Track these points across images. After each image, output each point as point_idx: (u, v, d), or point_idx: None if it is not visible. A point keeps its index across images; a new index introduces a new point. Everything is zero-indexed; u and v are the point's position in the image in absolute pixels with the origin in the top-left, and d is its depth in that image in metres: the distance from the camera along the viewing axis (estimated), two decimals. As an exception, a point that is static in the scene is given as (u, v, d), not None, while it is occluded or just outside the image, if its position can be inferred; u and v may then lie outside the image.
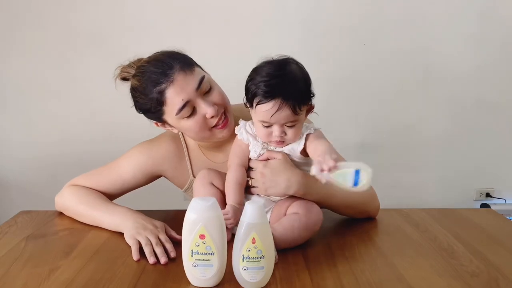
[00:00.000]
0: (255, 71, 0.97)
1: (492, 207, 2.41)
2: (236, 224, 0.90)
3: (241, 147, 1.04)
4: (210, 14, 2.28)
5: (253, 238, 0.80)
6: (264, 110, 0.94)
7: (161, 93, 1.02)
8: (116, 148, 1.31)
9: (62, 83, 2.31)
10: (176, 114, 1.03)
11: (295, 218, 0.97)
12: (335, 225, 1.14)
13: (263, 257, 0.81)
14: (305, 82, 0.97)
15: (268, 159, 1.02)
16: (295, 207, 0.99)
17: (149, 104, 1.05)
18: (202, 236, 0.80)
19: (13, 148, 2.37)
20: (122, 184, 1.18)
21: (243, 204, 0.96)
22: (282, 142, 0.99)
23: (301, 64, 0.99)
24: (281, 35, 2.30)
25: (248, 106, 0.99)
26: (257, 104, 0.95)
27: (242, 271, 0.81)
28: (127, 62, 1.11)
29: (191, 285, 0.84)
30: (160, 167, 1.17)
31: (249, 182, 1.03)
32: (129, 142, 1.25)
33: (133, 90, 1.08)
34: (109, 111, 2.18)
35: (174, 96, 1.02)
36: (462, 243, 1.02)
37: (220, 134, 1.08)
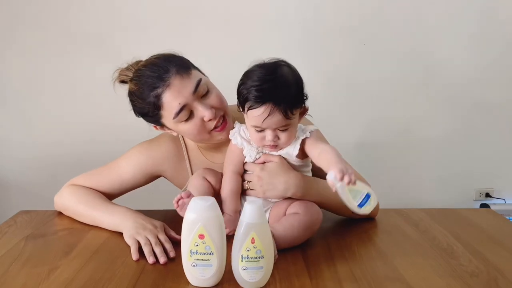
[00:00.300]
0: (246, 75, 0.96)
1: (492, 207, 2.41)
2: (233, 232, 0.91)
3: (235, 153, 1.04)
4: (210, 14, 2.28)
5: (252, 238, 0.80)
6: (256, 115, 0.93)
7: (158, 97, 1.02)
8: (116, 149, 1.31)
9: (62, 83, 2.31)
10: (174, 118, 1.03)
11: (294, 218, 0.98)
12: (334, 225, 1.14)
13: (262, 257, 0.81)
14: (297, 85, 0.96)
15: (265, 162, 1.02)
16: (295, 207, 0.99)
17: (147, 108, 1.05)
18: (201, 236, 0.81)
19: (13, 148, 2.36)
20: (121, 184, 1.18)
21: (239, 212, 0.98)
22: (275, 146, 0.98)
23: (293, 66, 0.98)
24: (281, 35, 2.30)
25: (241, 110, 0.99)
26: (248, 109, 0.94)
27: (241, 271, 0.81)
28: (125, 65, 1.11)
29: (190, 285, 0.84)
30: (160, 167, 1.18)
31: (247, 185, 1.03)
32: (129, 142, 1.25)
33: (131, 95, 1.08)
34: (109, 111, 2.18)
35: (171, 100, 1.02)
36: (462, 243, 1.02)
37: (219, 136, 1.08)
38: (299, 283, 0.84)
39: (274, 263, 0.85)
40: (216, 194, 1.05)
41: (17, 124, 2.36)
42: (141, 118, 1.11)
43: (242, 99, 0.95)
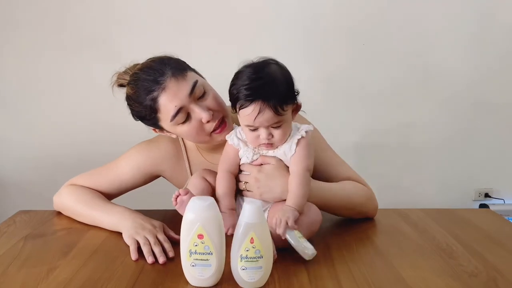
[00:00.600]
0: (236, 76, 0.97)
1: (491, 208, 2.42)
2: (233, 228, 0.92)
3: (230, 154, 1.04)
4: (210, 14, 2.28)
5: (252, 238, 0.80)
6: (247, 114, 0.94)
7: (154, 100, 1.02)
8: (116, 149, 1.31)
9: (62, 84, 2.31)
10: (171, 120, 1.03)
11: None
12: (333, 225, 1.14)
13: (262, 257, 0.81)
14: (286, 81, 0.97)
15: (262, 164, 1.02)
16: (294, 207, 0.99)
17: (144, 112, 1.05)
18: (200, 236, 0.80)
19: (12, 148, 2.36)
20: (120, 184, 1.18)
21: (234, 208, 0.99)
22: (270, 144, 0.99)
23: (282, 64, 0.99)
24: (281, 35, 2.30)
25: (234, 111, 0.99)
26: (240, 109, 0.95)
27: (241, 271, 0.81)
28: (123, 69, 1.11)
29: (190, 284, 0.84)
30: (159, 167, 1.18)
31: (243, 186, 1.03)
32: (129, 142, 1.25)
33: (128, 99, 1.08)
34: (109, 111, 2.17)
35: (167, 103, 1.02)
36: (461, 243, 1.02)
37: (219, 138, 1.07)
38: (298, 283, 0.84)
39: (273, 263, 0.85)
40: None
41: (16, 124, 2.36)
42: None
43: (234, 99, 0.96)
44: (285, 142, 1.00)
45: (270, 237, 0.85)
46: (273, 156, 1.01)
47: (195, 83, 1.04)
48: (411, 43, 2.37)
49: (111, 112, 2.13)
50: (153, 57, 1.08)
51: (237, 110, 0.96)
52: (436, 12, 2.35)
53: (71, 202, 1.16)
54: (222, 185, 1.02)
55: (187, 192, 0.96)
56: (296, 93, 0.98)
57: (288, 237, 0.90)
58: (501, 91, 2.44)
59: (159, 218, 1.08)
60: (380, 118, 2.43)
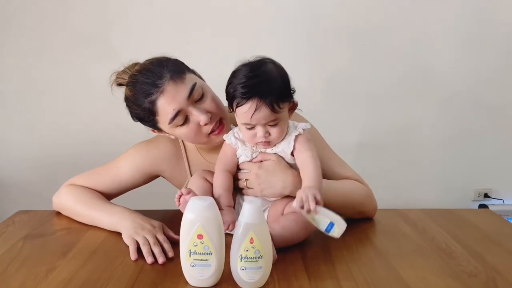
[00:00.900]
0: (233, 75, 0.97)
1: (490, 208, 2.41)
2: (233, 224, 0.93)
3: (227, 154, 1.05)
4: (210, 14, 2.28)
5: (251, 238, 0.80)
6: (243, 111, 0.94)
7: (152, 103, 1.02)
8: (115, 149, 1.31)
9: (61, 84, 2.31)
10: (169, 123, 1.03)
11: (293, 217, 0.97)
12: (333, 225, 1.14)
13: (261, 257, 0.81)
14: (282, 79, 0.97)
15: (262, 161, 1.02)
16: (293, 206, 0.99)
17: (142, 114, 1.05)
18: (200, 236, 0.80)
19: (12, 148, 2.36)
20: (120, 184, 1.18)
21: (233, 205, 0.99)
22: (268, 142, 0.99)
23: (278, 63, 1.00)
24: (281, 35, 2.30)
25: (231, 110, 0.99)
26: (236, 107, 0.95)
27: (240, 271, 0.81)
28: (122, 68, 1.11)
29: (189, 285, 0.84)
30: (158, 167, 1.18)
31: (244, 184, 1.03)
32: (128, 142, 1.24)
33: (127, 100, 1.08)
34: (109, 111, 2.17)
35: (165, 106, 1.02)
36: (460, 244, 1.02)
37: (217, 139, 1.08)
38: (298, 283, 0.84)
39: (273, 263, 0.85)
40: None
41: (16, 124, 2.36)
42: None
43: (230, 98, 0.97)
44: (282, 140, 1.00)
45: (270, 237, 0.85)
46: (273, 153, 1.01)
47: (194, 86, 1.04)
48: (411, 44, 2.37)
49: (111, 112, 2.13)
50: (151, 58, 1.08)
51: (234, 108, 0.96)
52: (436, 12, 2.35)
53: (71, 202, 1.16)
54: (220, 183, 1.02)
55: (190, 191, 0.96)
56: (292, 91, 0.99)
57: (322, 210, 0.88)
58: (501, 91, 2.44)
59: (159, 218, 1.08)
60: (380, 118, 2.43)
